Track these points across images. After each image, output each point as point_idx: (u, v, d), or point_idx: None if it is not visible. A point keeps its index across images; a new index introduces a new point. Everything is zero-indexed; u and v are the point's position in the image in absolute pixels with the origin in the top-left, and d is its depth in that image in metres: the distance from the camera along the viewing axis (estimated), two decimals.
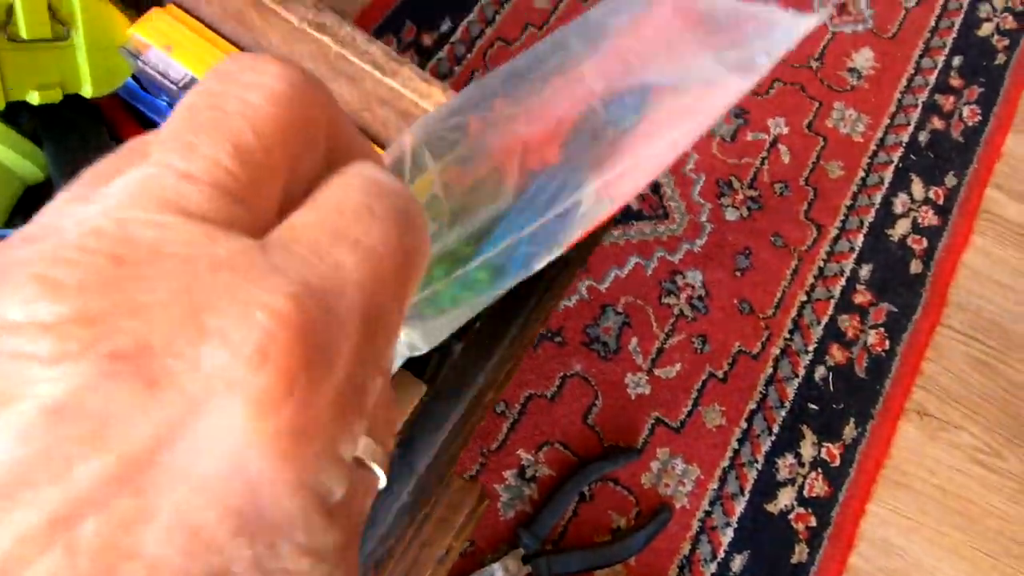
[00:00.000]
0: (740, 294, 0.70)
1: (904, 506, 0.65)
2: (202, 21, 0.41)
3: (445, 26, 0.78)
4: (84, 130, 0.41)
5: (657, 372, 0.67)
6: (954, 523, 0.65)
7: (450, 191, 0.23)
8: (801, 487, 0.64)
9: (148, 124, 0.48)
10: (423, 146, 0.25)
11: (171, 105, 0.45)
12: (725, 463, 0.64)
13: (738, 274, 0.71)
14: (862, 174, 0.77)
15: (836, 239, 0.73)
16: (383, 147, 0.40)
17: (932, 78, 0.81)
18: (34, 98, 0.38)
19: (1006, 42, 0.83)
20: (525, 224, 0.23)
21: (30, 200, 0.46)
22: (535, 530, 0.58)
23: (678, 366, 0.67)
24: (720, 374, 0.67)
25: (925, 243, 0.74)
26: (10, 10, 0.34)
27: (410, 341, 0.22)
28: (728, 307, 0.70)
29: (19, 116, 0.42)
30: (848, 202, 0.75)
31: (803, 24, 0.26)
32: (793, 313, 0.70)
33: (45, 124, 0.42)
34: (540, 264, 0.23)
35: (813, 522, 0.63)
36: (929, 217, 0.75)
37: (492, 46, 0.78)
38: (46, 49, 0.37)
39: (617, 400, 0.65)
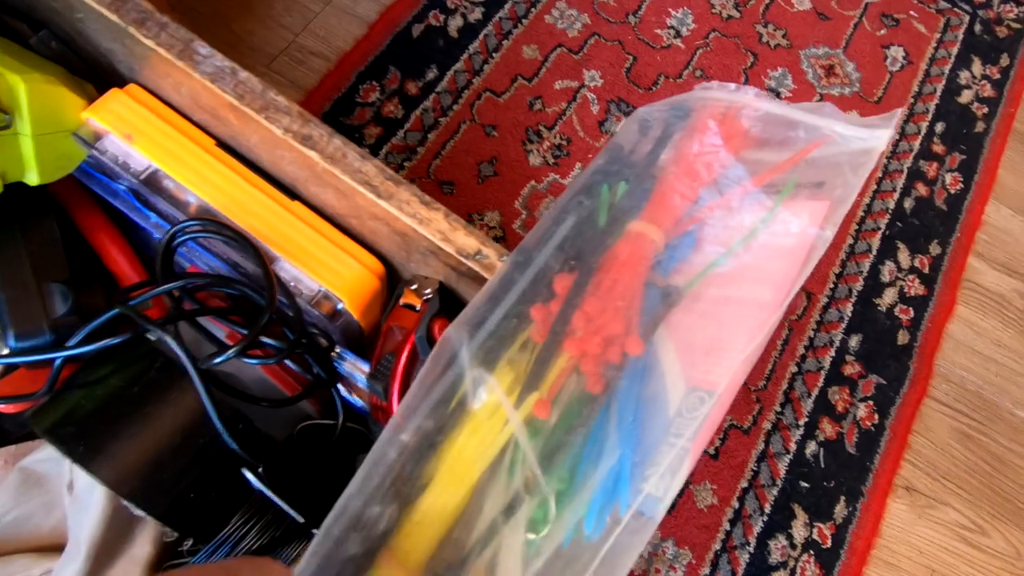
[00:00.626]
0: None
1: None
2: (170, 105, 0.36)
3: (431, 74, 0.75)
4: (30, 222, 0.36)
5: None
6: None
7: (535, 429, 0.20)
8: (793, 571, 0.62)
9: (106, 206, 0.43)
10: (481, 366, 0.21)
11: (131, 191, 0.40)
12: (717, 546, 0.62)
13: None
14: (851, 240, 0.76)
15: (826, 308, 0.73)
16: (377, 254, 0.36)
17: (916, 143, 0.82)
18: None
19: (985, 110, 0.85)
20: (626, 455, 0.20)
21: None
22: None
23: None
24: (711, 450, 0.65)
25: (911, 313, 0.73)
26: None
27: None
28: None
29: None
30: (837, 270, 0.75)
31: (878, 139, 0.24)
32: (784, 386, 0.69)
33: None
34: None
35: None
36: (915, 286, 0.75)
37: (480, 97, 0.75)
38: None
39: None
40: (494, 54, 0.77)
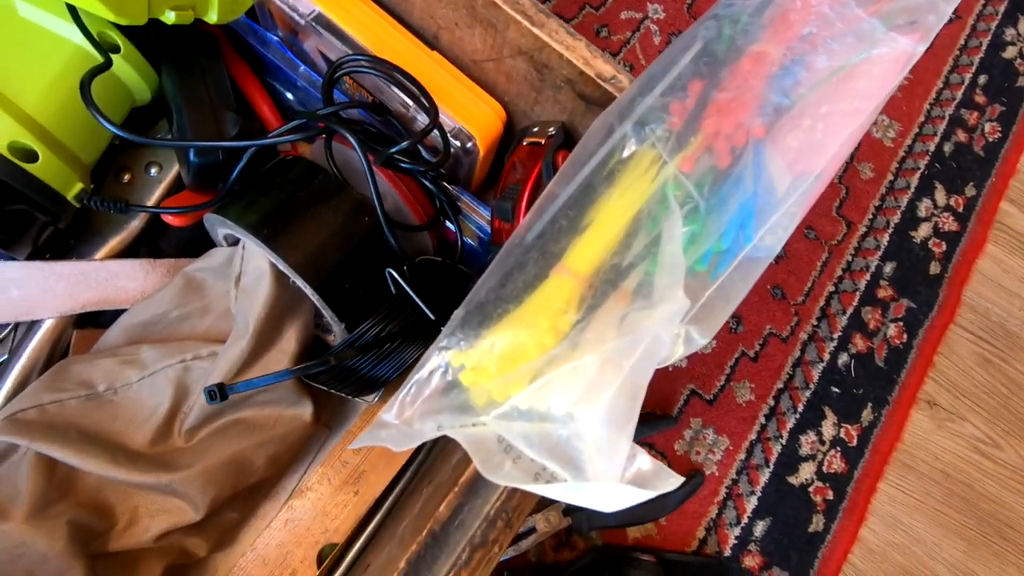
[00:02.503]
0: (774, 280, 0.74)
1: (911, 487, 0.70)
2: None
3: None
4: (206, 62, 0.42)
5: None
6: (954, 505, 0.70)
7: (680, 184, 0.25)
8: (821, 463, 0.68)
9: (253, 59, 0.49)
10: (631, 132, 0.27)
11: (282, 41, 0.46)
12: (752, 436, 0.68)
13: (774, 262, 0.75)
14: (891, 177, 0.81)
15: (864, 236, 0.78)
16: (500, 99, 0.42)
17: (959, 93, 0.86)
18: (170, 18, 0.39)
19: None
20: (752, 207, 0.25)
21: (132, 122, 0.46)
22: None
23: (714, 343, 0.70)
24: (751, 353, 0.71)
25: (944, 246, 0.78)
26: None
27: (690, 336, 0.24)
28: (763, 291, 0.73)
29: (143, 40, 0.42)
30: (876, 202, 0.79)
31: None
32: (821, 302, 0.74)
33: (167, 48, 0.42)
34: (779, 247, 0.25)
35: (830, 495, 0.67)
36: (949, 223, 0.79)
37: None
38: None
39: (656, 372, 0.68)
40: None
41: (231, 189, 0.40)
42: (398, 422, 0.25)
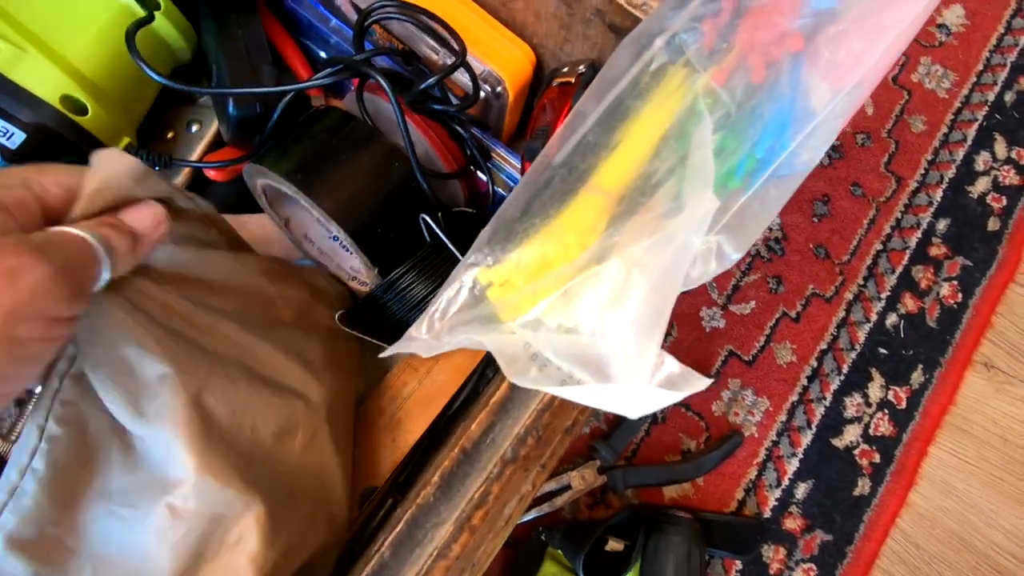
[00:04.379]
0: (817, 239, 0.71)
1: (965, 451, 0.66)
2: None
3: None
4: (243, 18, 0.43)
5: (732, 308, 0.68)
6: (1012, 471, 0.66)
7: (714, 86, 0.25)
8: (867, 425, 0.66)
9: (284, 16, 0.49)
10: (663, 49, 0.26)
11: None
12: (794, 398, 0.66)
13: (816, 220, 0.72)
14: (945, 130, 0.76)
15: (915, 192, 0.74)
16: (529, 42, 0.42)
17: (1022, 39, 0.80)
18: None
19: None
20: (787, 123, 0.25)
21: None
22: (611, 444, 0.61)
23: (752, 303, 0.69)
24: (793, 314, 0.69)
25: (1004, 201, 0.74)
26: None
27: (721, 249, 0.23)
28: (804, 251, 0.71)
29: None
30: (929, 157, 0.75)
31: None
32: (868, 261, 0.71)
33: (205, 5, 0.43)
34: (816, 162, 0.24)
35: (877, 459, 0.65)
36: (1010, 176, 0.75)
37: None
38: None
39: (692, 331, 0.67)
40: None
41: (268, 139, 0.41)
42: (427, 337, 0.25)
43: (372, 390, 0.49)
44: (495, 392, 0.27)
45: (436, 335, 0.25)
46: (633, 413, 0.22)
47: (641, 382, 0.21)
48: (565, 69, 0.40)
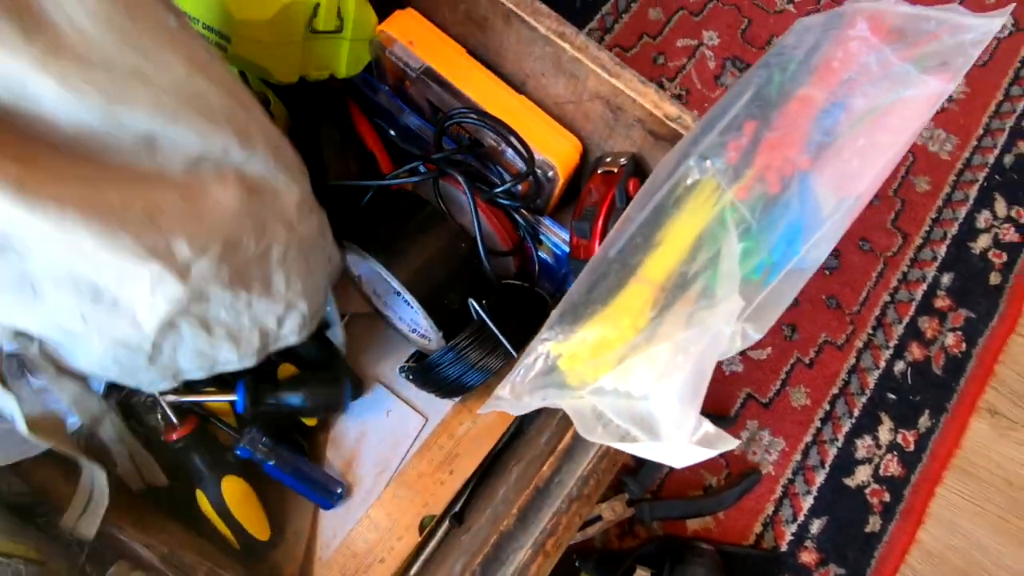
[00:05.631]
0: (828, 290, 0.77)
1: (971, 493, 0.71)
2: (434, 23, 0.50)
3: None
4: (334, 110, 0.51)
5: (750, 354, 0.74)
6: (1016, 512, 0.71)
7: (738, 204, 0.32)
8: (877, 466, 0.71)
9: (365, 103, 0.58)
10: (694, 164, 0.33)
11: (393, 91, 0.55)
12: (808, 438, 0.71)
13: (827, 272, 0.78)
14: (948, 190, 0.83)
15: (920, 248, 0.80)
16: (577, 134, 0.49)
17: (1020, 105, 0.87)
18: (311, 75, 0.48)
19: None
20: (800, 227, 0.31)
21: None
22: (639, 479, 0.67)
23: (769, 350, 0.74)
24: (807, 360, 0.74)
25: (1005, 257, 0.79)
26: (316, 9, 0.44)
27: (746, 332, 0.30)
28: (817, 301, 0.77)
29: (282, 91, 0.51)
30: (933, 215, 0.81)
31: (993, 24, 0.33)
32: (877, 311, 0.77)
33: (304, 101, 0.51)
34: (822, 260, 0.31)
35: (887, 497, 0.70)
36: (1010, 234, 0.80)
37: (611, 50, 0.86)
38: (327, 39, 0.47)
39: (714, 375, 0.73)
40: (624, 15, 0.89)
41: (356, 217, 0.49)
42: (510, 397, 0.32)
43: (433, 429, 0.56)
44: (559, 442, 0.34)
45: (518, 396, 0.31)
46: (677, 464, 0.28)
47: (684, 441, 0.27)
48: (608, 159, 0.48)
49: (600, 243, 0.46)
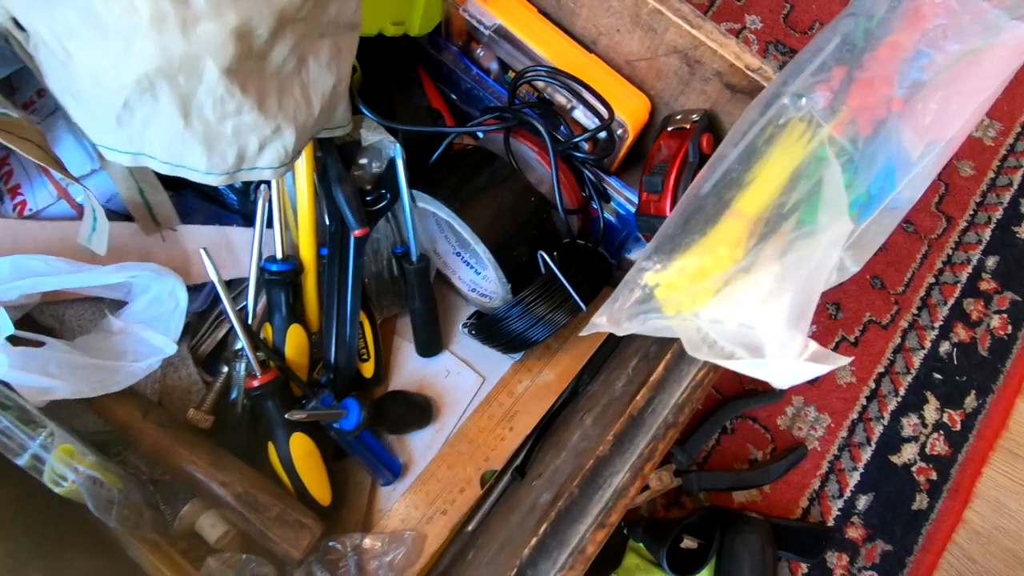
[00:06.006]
0: (873, 271, 0.77)
1: (1019, 474, 0.71)
2: None
3: None
4: (406, 65, 0.52)
5: None
6: None
7: (837, 137, 0.32)
8: (923, 445, 0.71)
9: (429, 65, 0.58)
10: (788, 103, 0.34)
11: (461, 50, 0.56)
12: (854, 415, 0.71)
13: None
14: (992, 175, 0.83)
15: (965, 231, 0.80)
16: (646, 93, 0.50)
17: None
18: (388, 30, 0.49)
19: None
20: (893, 168, 0.32)
21: None
22: (687, 449, 0.67)
23: (814, 327, 0.75)
24: (851, 339, 0.74)
25: None
26: None
27: (843, 264, 0.31)
28: (862, 281, 0.77)
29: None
30: (977, 199, 0.81)
31: None
32: (921, 292, 0.77)
33: (376, 54, 0.52)
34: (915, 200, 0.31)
35: (934, 476, 0.69)
36: None
37: None
38: None
39: None
40: None
41: (428, 171, 0.50)
42: (607, 323, 0.32)
43: (492, 388, 0.56)
44: (652, 373, 0.34)
45: (615, 322, 0.32)
46: (784, 383, 0.28)
47: (792, 358, 0.28)
48: (679, 116, 0.48)
49: (671, 198, 0.46)
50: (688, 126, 0.47)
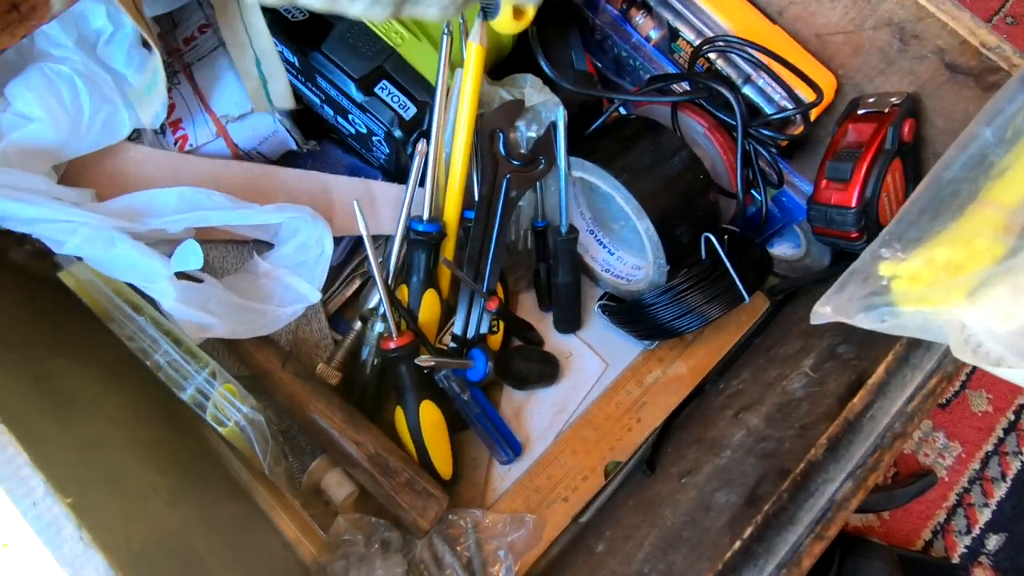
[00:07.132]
0: None
1: None
2: None
3: None
4: (565, 26, 0.48)
5: None
6: None
7: None
8: None
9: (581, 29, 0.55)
10: None
11: (621, 14, 0.52)
12: (988, 447, 0.66)
13: None
14: None
15: None
16: (834, 72, 0.46)
17: None
18: None
19: None
20: None
21: None
22: None
23: None
24: None
25: None
26: None
27: None
28: None
29: None
30: None
31: None
32: None
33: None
34: None
35: None
36: None
37: None
38: None
39: None
40: None
41: (588, 138, 0.47)
42: (833, 312, 0.29)
43: (619, 375, 0.53)
44: (860, 376, 0.30)
45: (847, 314, 0.29)
46: None
47: None
48: (872, 99, 0.44)
49: (860, 188, 0.42)
50: (887, 110, 0.43)
